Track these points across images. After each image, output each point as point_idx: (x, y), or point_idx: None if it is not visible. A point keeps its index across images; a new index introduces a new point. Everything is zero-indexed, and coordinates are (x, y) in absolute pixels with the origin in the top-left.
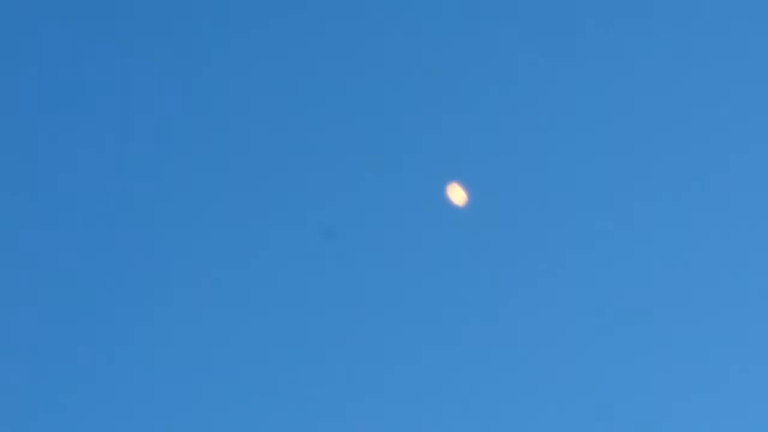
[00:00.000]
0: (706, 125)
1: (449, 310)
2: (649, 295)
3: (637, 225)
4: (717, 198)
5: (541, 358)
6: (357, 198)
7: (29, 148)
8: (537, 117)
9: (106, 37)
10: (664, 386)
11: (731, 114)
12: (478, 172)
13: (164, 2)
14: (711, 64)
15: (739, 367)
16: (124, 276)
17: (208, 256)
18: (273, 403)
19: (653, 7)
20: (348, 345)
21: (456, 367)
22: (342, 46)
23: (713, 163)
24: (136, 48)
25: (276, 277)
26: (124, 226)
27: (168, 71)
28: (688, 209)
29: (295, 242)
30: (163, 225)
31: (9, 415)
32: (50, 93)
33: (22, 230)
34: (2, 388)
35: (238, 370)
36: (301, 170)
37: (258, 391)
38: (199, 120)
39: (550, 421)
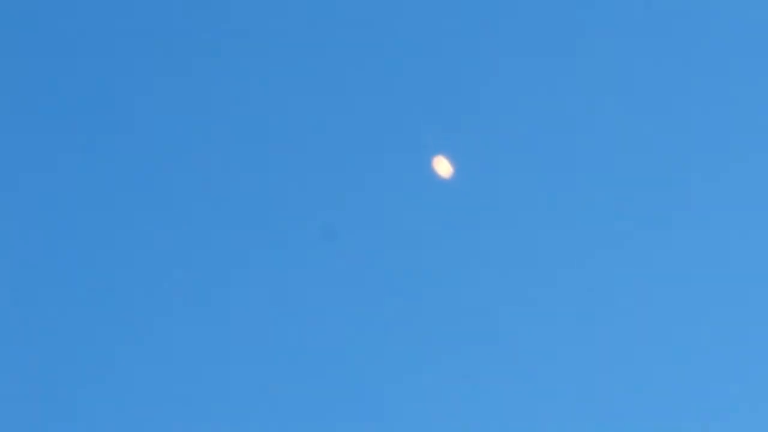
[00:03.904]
0: (701, 126)
1: (450, 311)
2: (645, 286)
3: (624, 199)
4: (714, 195)
5: (527, 340)
6: (357, 198)
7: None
8: (533, 112)
9: (105, 36)
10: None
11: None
12: (466, 144)
13: (164, 3)
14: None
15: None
16: (121, 276)
17: (208, 257)
18: (272, 405)
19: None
20: (348, 346)
21: (455, 366)
22: (338, 45)
23: (708, 161)
24: (135, 46)
25: (276, 278)
26: (123, 225)
27: (168, 69)
28: (683, 206)
29: (295, 242)
30: (161, 225)
31: (9, 414)
32: (48, 93)
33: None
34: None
35: (237, 371)
36: (301, 170)
37: (257, 393)
38: (198, 119)
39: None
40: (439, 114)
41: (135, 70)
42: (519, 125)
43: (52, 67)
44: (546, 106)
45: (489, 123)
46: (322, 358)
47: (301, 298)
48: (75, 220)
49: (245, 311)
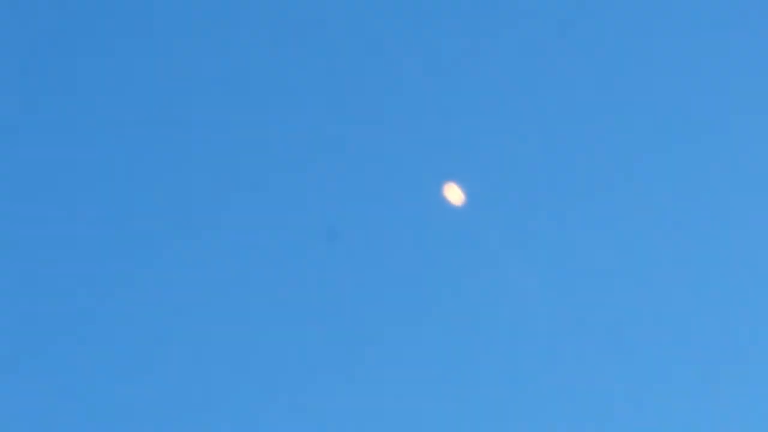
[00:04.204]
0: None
1: (451, 313)
2: (654, 299)
3: (635, 221)
4: (719, 198)
5: (536, 357)
6: (359, 199)
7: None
8: (536, 116)
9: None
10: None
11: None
12: (476, 171)
13: (164, 3)
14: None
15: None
16: (124, 276)
17: (210, 258)
18: (273, 406)
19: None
20: (348, 347)
21: (456, 368)
22: (342, 46)
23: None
24: (136, 46)
25: (278, 279)
26: (126, 226)
27: (171, 69)
28: (693, 214)
29: (297, 243)
30: (164, 226)
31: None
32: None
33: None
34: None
35: (239, 371)
36: (303, 171)
37: (258, 393)
38: (200, 120)
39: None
40: (450, 142)
41: (137, 66)
42: (531, 153)
43: (51, 66)
44: (560, 135)
45: (501, 151)
46: (321, 360)
47: (312, 341)
48: (77, 218)
49: (247, 313)
